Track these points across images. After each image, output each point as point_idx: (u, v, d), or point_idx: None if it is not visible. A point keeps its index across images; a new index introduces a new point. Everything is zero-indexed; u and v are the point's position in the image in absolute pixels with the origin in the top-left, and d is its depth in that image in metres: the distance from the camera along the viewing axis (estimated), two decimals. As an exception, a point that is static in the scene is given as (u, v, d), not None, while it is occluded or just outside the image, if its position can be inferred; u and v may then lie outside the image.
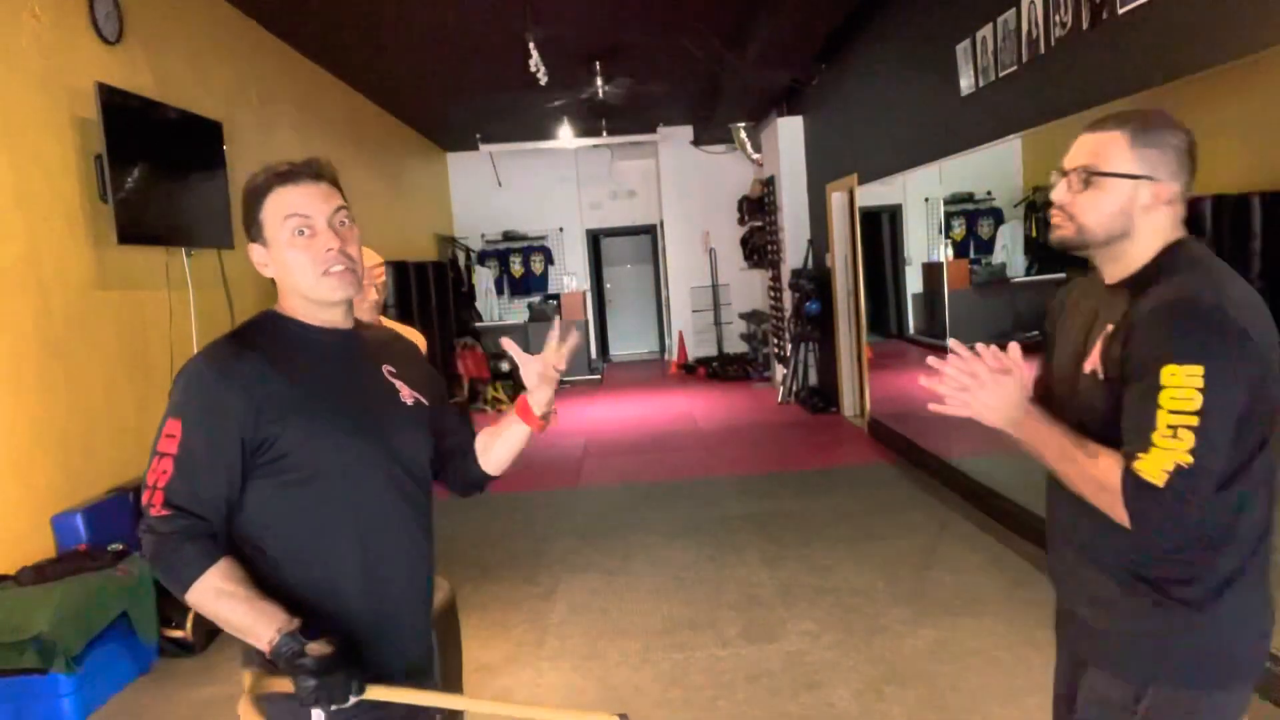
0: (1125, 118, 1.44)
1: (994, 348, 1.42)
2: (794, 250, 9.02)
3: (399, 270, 7.85)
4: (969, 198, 5.72)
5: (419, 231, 10.37)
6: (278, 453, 1.40)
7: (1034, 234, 5.12)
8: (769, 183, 9.76)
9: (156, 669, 3.67)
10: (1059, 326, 1.61)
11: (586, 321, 12.31)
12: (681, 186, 11.86)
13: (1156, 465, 1.27)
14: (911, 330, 6.72)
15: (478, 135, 10.96)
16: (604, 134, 10.93)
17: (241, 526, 1.44)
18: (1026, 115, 4.23)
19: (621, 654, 3.58)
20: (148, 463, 1.40)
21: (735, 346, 11.92)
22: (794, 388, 8.95)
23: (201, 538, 1.38)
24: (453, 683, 2.58)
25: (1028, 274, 5.33)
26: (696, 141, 11.53)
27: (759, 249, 10.63)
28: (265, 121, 5.96)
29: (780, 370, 9.51)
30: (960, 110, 5.03)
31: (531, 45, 6.16)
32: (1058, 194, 1.47)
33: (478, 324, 11.19)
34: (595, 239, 13.20)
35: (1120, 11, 3.43)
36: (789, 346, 9.07)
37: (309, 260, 1.45)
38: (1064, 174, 1.47)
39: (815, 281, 8.36)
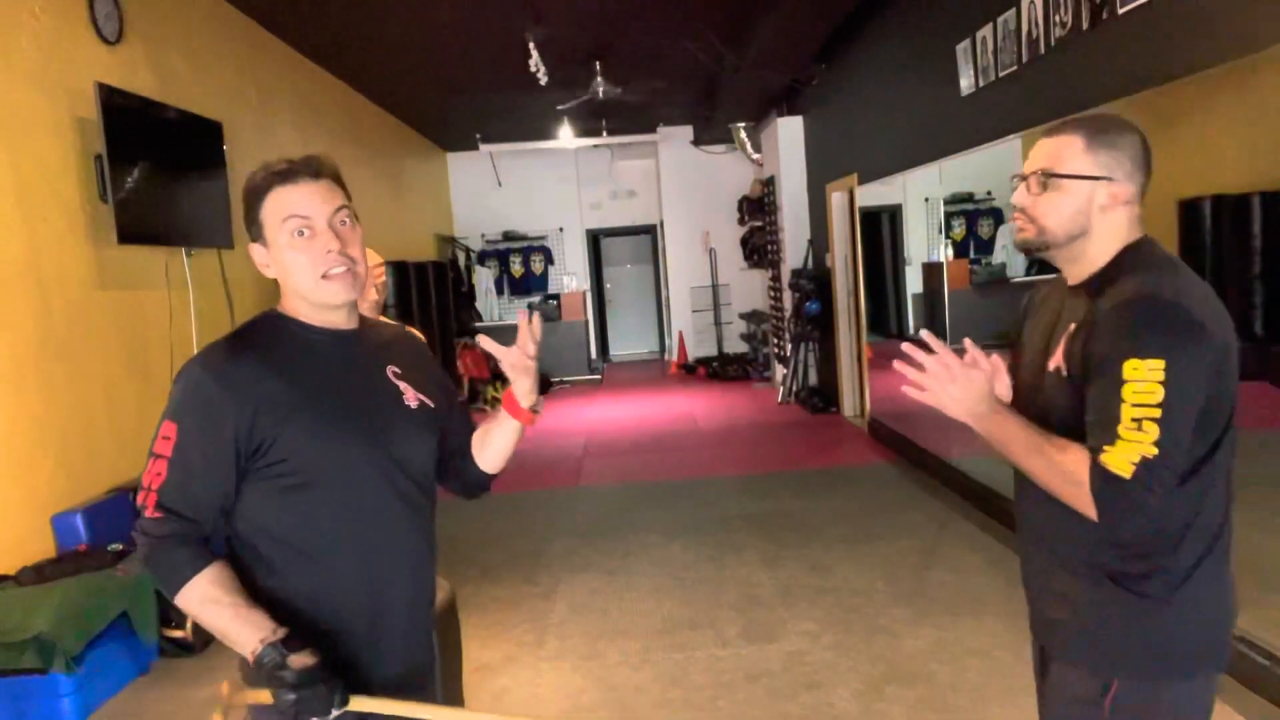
0: (1080, 122, 1.49)
1: (967, 341, 1.48)
2: (794, 250, 9.02)
3: (399, 270, 7.85)
4: (969, 198, 5.73)
5: (419, 231, 10.37)
6: (275, 457, 1.38)
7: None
8: (769, 183, 9.75)
9: (156, 669, 3.66)
10: (1026, 329, 1.64)
11: (586, 321, 12.31)
12: (681, 186, 11.86)
13: (1123, 457, 1.30)
14: (912, 330, 6.72)
15: (478, 135, 10.96)
16: (604, 134, 10.93)
17: (238, 530, 1.43)
18: (1026, 115, 4.23)
19: (621, 654, 3.58)
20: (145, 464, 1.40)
21: (735, 346, 11.92)
22: (794, 388, 8.95)
23: (193, 542, 1.37)
24: (453, 683, 2.58)
25: (1027, 274, 5.33)
26: (696, 141, 11.53)
27: (759, 249, 10.63)
28: (265, 121, 5.96)
29: (780, 370, 9.51)
30: (960, 110, 5.03)
31: (531, 45, 6.16)
32: (1018, 197, 1.52)
33: (478, 324, 11.19)
34: (595, 239, 13.20)
35: (1120, 11, 3.43)
36: (789, 346, 9.07)
37: (308, 262, 1.42)
38: (1023, 178, 1.51)
39: (815, 281, 8.36)
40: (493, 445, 1.66)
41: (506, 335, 1.53)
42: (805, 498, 5.62)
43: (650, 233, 13.14)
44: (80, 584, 3.34)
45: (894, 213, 6.93)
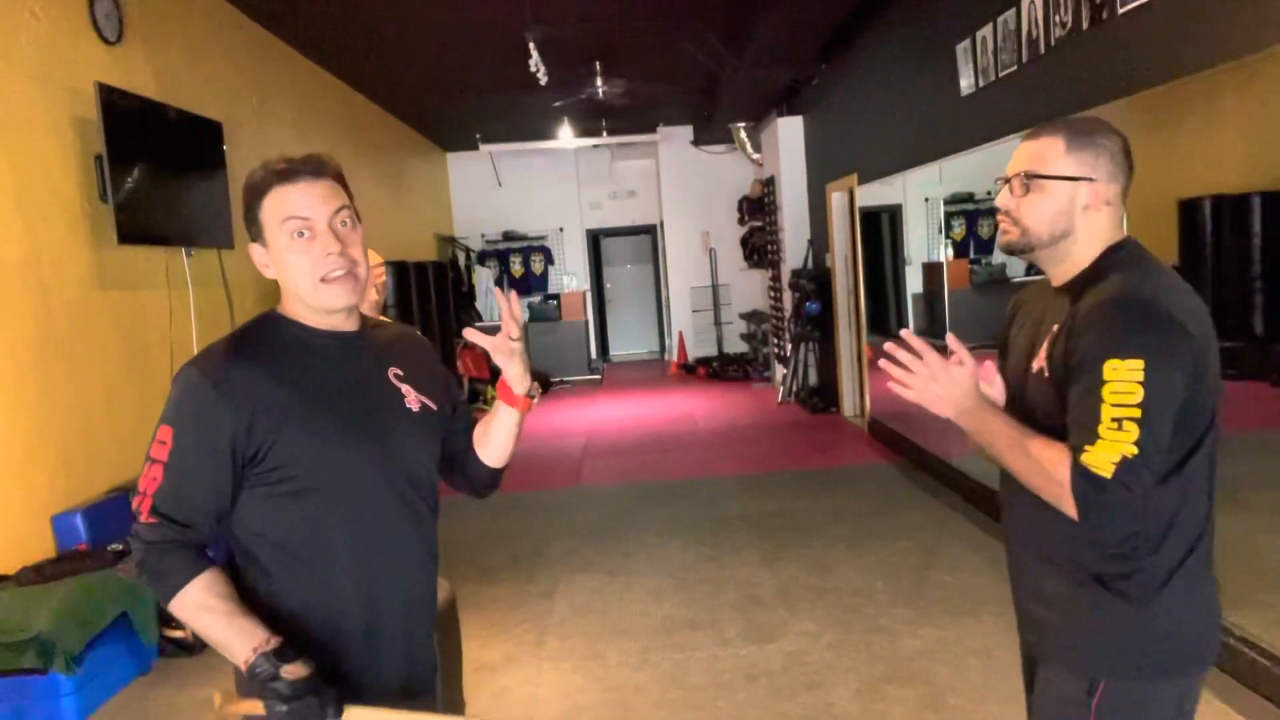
0: (1061, 124, 1.50)
1: (950, 337, 1.49)
2: (794, 250, 9.01)
3: (399, 270, 7.85)
4: (969, 198, 5.73)
5: (419, 231, 10.37)
6: (272, 463, 1.36)
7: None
8: (769, 183, 9.75)
9: (156, 669, 3.67)
10: (1012, 331, 1.65)
11: (586, 321, 12.31)
12: (681, 186, 11.86)
13: (1103, 457, 1.30)
14: (912, 330, 6.72)
15: (478, 135, 10.96)
16: (604, 134, 10.94)
17: (236, 535, 1.41)
18: (1026, 115, 4.23)
19: (621, 654, 3.58)
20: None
21: (735, 346, 11.92)
22: (794, 388, 8.95)
23: (188, 548, 1.35)
24: (453, 683, 2.58)
25: (1028, 274, 5.33)
26: (696, 141, 11.53)
27: (759, 249, 10.63)
28: (265, 121, 5.96)
29: (780, 370, 9.51)
30: (960, 110, 5.03)
31: (531, 45, 6.15)
32: (1002, 200, 1.53)
33: (478, 324, 11.19)
34: (595, 239, 13.20)
35: (1120, 11, 3.43)
36: (789, 346, 9.07)
37: (308, 264, 1.40)
38: (1006, 181, 1.52)
39: (815, 281, 8.36)
40: (493, 437, 1.63)
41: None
42: (805, 498, 5.62)
43: (650, 233, 13.14)
44: (80, 584, 3.34)
45: (894, 213, 6.93)
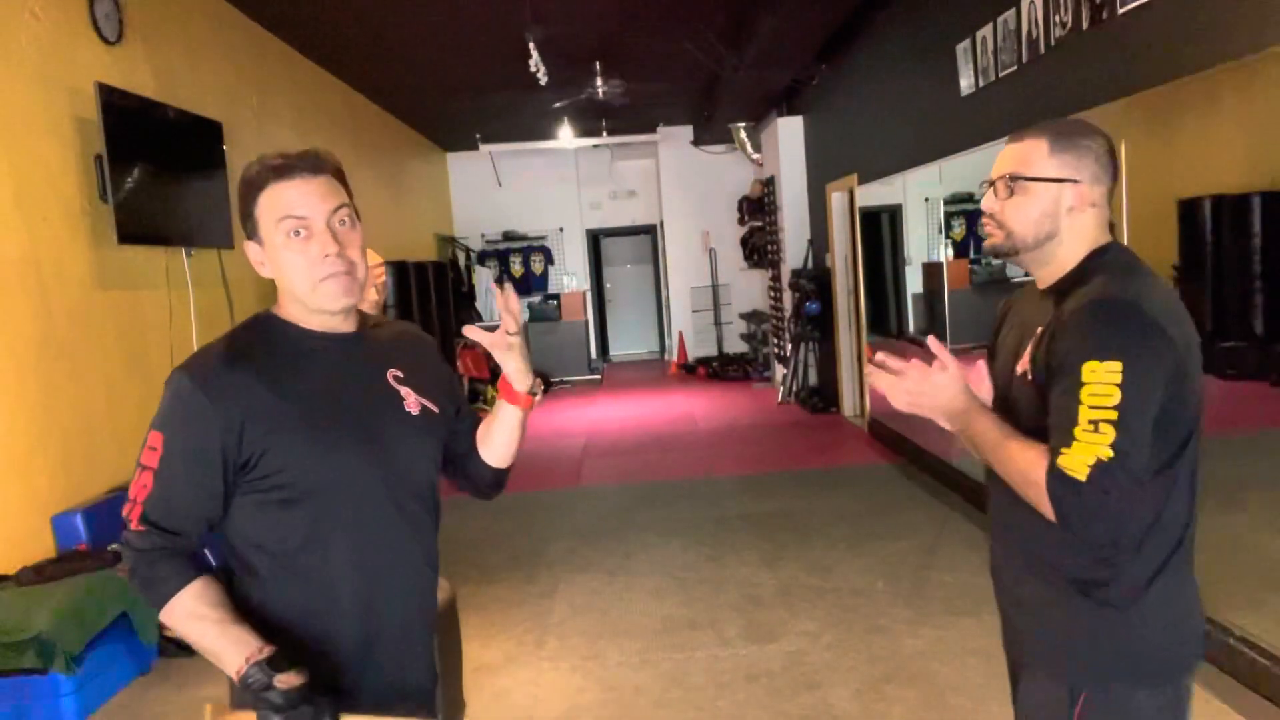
0: (1045, 126, 1.50)
1: (931, 340, 1.50)
2: (794, 250, 9.01)
3: (399, 270, 7.85)
4: (969, 198, 5.72)
5: (419, 231, 10.37)
6: (265, 470, 1.32)
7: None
8: (769, 183, 9.75)
9: (156, 669, 3.66)
10: (1001, 334, 1.65)
11: (586, 321, 12.31)
12: (681, 186, 11.86)
13: (1079, 460, 1.29)
14: (912, 330, 6.72)
15: (478, 135, 10.96)
16: (604, 134, 10.93)
17: (229, 542, 1.38)
18: (1026, 115, 4.23)
19: (621, 654, 3.58)
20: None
21: (735, 346, 11.92)
22: (794, 388, 8.95)
23: (177, 556, 1.33)
24: (453, 683, 2.58)
25: (1028, 274, 5.32)
26: (696, 141, 11.53)
27: (759, 249, 10.63)
28: (265, 121, 5.96)
29: (780, 370, 9.51)
30: (960, 110, 5.03)
31: (531, 45, 6.15)
32: (986, 203, 1.52)
33: (478, 324, 11.18)
34: (595, 239, 13.20)
35: (1120, 11, 3.43)
36: (789, 346, 9.07)
37: (304, 265, 1.35)
38: (991, 184, 1.52)
39: (815, 281, 8.36)
40: (495, 436, 1.59)
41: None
42: (805, 498, 5.62)
43: (650, 233, 13.14)
44: (80, 584, 3.34)
45: (894, 213, 6.93)
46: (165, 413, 1.34)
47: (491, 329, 1.48)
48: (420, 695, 1.51)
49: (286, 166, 1.36)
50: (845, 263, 7.81)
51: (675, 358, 12.16)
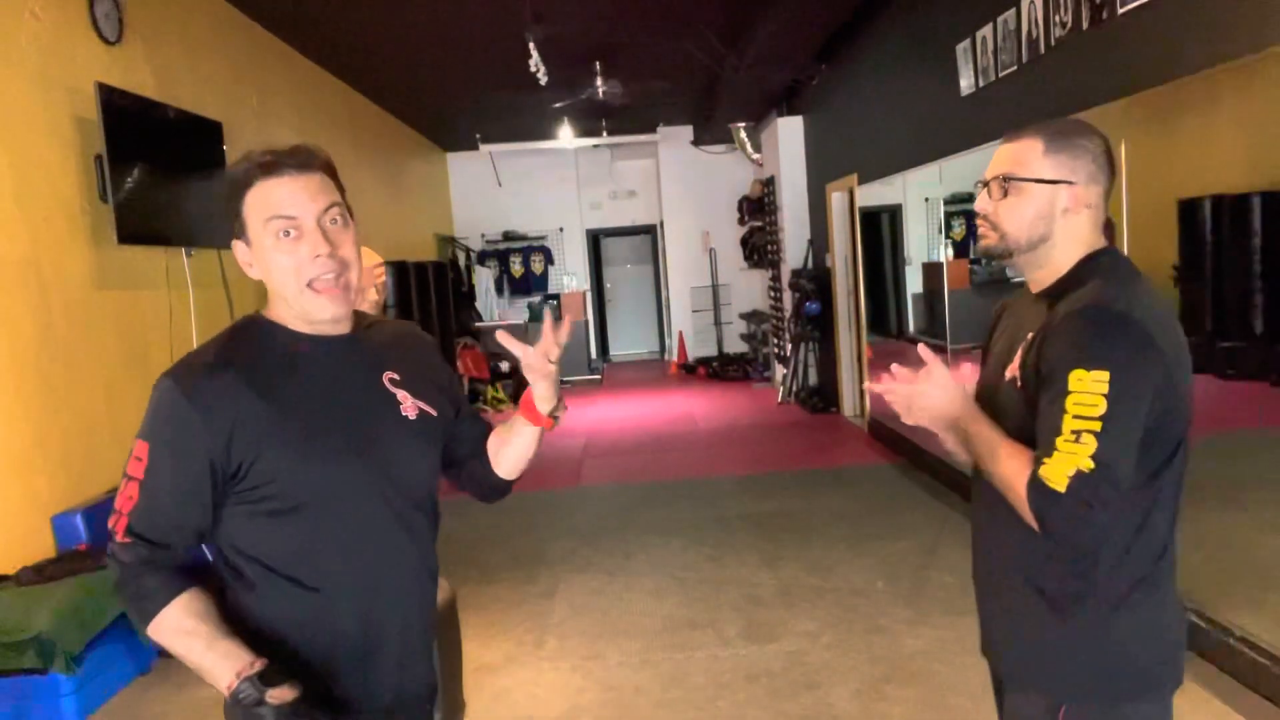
0: (1040, 126, 1.47)
1: (921, 347, 1.47)
2: (794, 250, 9.01)
3: (399, 270, 7.85)
4: (969, 198, 5.71)
5: (419, 231, 10.37)
6: (256, 480, 1.27)
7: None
8: (769, 183, 9.75)
9: (156, 669, 3.66)
10: (994, 337, 1.63)
11: (586, 321, 12.30)
12: (681, 186, 11.86)
13: (1059, 470, 1.27)
14: (912, 330, 6.72)
15: (478, 135, 10.96)
16: (604, 134, 10.94)
17: (220, 552, 1.34)
18: (1026, 115, 4.23)
19: (621, 654, 3.58)
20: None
21: (735, 346, 11.92)
22: (794, 388, 8.95)
23: (164, 569, 1.28)
24: (453, 683, 2.58)
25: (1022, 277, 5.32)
26: (696, 141, 11.53)
27: (759, 249, 10.63)
28: (265, 121, 5.96)
29: (780, 370, 9.51)
30: (960, 110, 5.03)
31: (531, 45, 6.15)
32: (980, 204, 1.50)
33: (478, 324, 11.19)
34: (595, 239, 13.20)
35: (1120, 11, 3.43)
36: (789, 346, 9.07)
37: (293, 267, 1.29)
38: (985, 184, 1.50)
39: (815, 281, 8.36)
40: (510, 451, 1.55)
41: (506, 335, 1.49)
42: (805, 498, 5.62)
43: (650, 233, 13.14)
44: (80, 584, 3.34)
45: (894, 213, 6.92)
46: (151, 421, 1.29)
47: (496, 329, 1.46)
48: (418, 706, 1.48)
49: (274, 163, 1.30)
50: (845, 263, 7.81)
51: (675, 358, 12.16)
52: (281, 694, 1.21)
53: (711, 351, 11.96)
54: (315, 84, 7.17)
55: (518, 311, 12.29)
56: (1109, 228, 1.53)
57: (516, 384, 10.05)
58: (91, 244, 4.05)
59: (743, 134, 10.14)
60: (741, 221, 11.47)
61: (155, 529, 1.28)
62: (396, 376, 1.42)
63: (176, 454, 1.27)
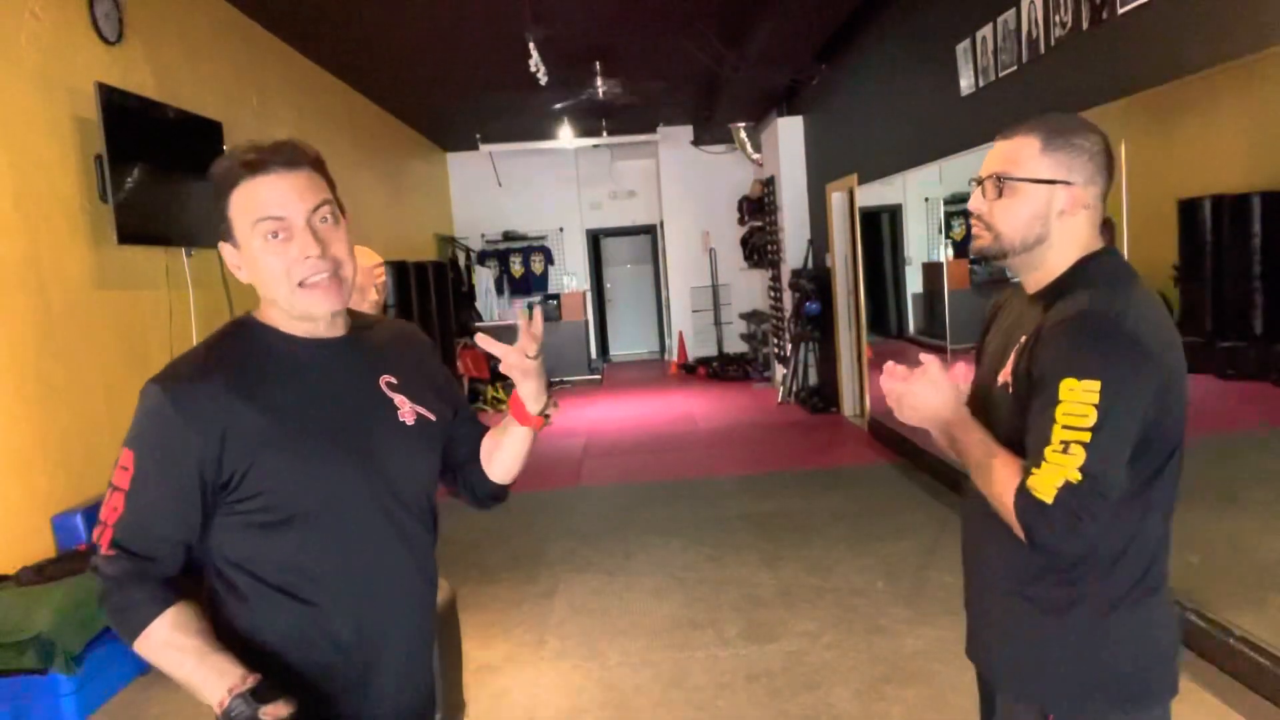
0: (1038, 123, 1.42)
1: (925, 358, 1.46)
2: (794, 250, 9.02)
3: (399, 270, 7.85)
4: (969, 198, 5.72)
5: (419, 231, 10.37)
6: (248, 491, 1.23)
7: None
8: (769, 183, 9.76)
9: (156, 669, 3.66)
10: (988, 337, 1.60)
11: (586, 321, 12.31)
12: (681, 186, 11.86)
13: (1047, 481, 1.25)
14: (912, 330, 6.72)
15: (478, 135, 10.96)
16: (604, 134, 10.94)
17: (211, 562, 1.29)
18: (1026, 115, 4.23)
19: (621, 654, 3.58)
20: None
21: (735, 346, 11.92)
22: (794, 388, 8.95)
23: (150, 582, 1.23)
24: (453, 684, 2.58)
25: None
26: (696, 141, 11.53)
27: (759, 249, 10.63)
28: (265, 121, 5.96)
29: (780, 370, 9.51)
30: (960, 110, 5.03)
31: (531, 45, 6.15)
32: (974, 203, 1.46)
33: (478, 324, 11.20)
34: (595, 239, 13.20)
35: (1120, 11, 3.43)
36: (789, 346, 9.07)
37: (283, 269, 1.24)
38: (978, 182, 1.45)
39: (815, 281, 8.36)
40: (502, 454, 1.49)
41: (506, 336, 1.45)
42: (805, 498, 5.62)
43: (650, 233, 13.14)
44: (80, 584, 3.34)
45: (894, 213, 6.93)
46: (137, 429, 1.24)
47: (495, 331, 1.40)
48: (420, 705, 1.45)
49: (260, 160, 1.24)
50: (845, 263, 7.81)
51: (675, 358, 12.16)
52: (276, 710, 1.16)
53: (711, 351, 11.96)
54: (315, 84, 7.17)
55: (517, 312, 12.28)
56: (1108, 227, 1.51)
57: (517, 384, 10.03)
58: (91, 244, 4.05)
59: (743, 134, 10.14)
60: (741, 221, 11.47)
61: (141, 541, 1.23)
62: (394, 380, 1.38)
63: (164, 464, 1.22)
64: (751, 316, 11.39)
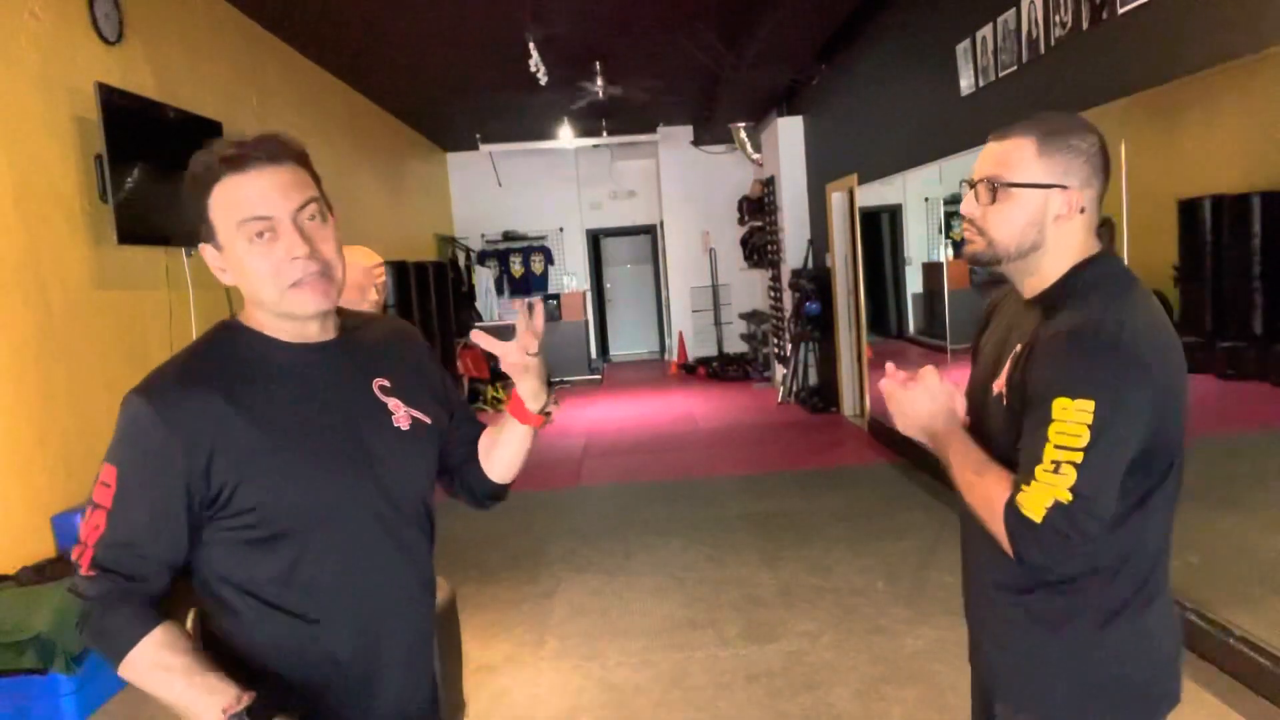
0: (1033, 123, 1.37)
1: (926, 370, 1.44)
2: (794, 250, 9.02)
3: (399, 270, 7.85)
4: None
5: (419, 231, 10.37)
6: (238, 506, 1.18)
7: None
8: (769, 183, 9.76)
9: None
10: (983, 340, 1.57)
11: (586, 321, 12.31)
12: (681, 186, 11.86)
13: (1036, 500, 1.23)
14: (912, 330, 6.72)
15: (478, 135, 10.97)
16: (604, 134, 10.95)
17: (202, 578, 1.24)
18: (1026, 115, 4.23)
19: (621, 654, 3.58)
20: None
21: (735, 346, 11.92)
22: (794, 388, 8.95)
23: (134, 601, 1.17)
24: (453, 684, 2.58)
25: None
26: (696, 141, 11.53)
27: (759, 249, 10.63)
28: (265, 121, 5.96)
29: (780, 370, 9.51)
30: (960, 110, 5.03)
31: (531, 45, 6.16)
32: (966, 206, 1.40)
33: (478, 324, 11.20)
34: (595, 239, 13.20)
35: (1120, 11, 3.43)
36: (789, 346, 9.07)
37: (270, 272, 1.18)
38: (971, 185, 1.40)
39: (815, 281, 8.36)
40: (500, 452, 1.45)
41: (505, 336, 1.42)
42: (805, 498, 5.62)
43: (650, 233, 13.14)
44: (80, 584, 3.34)
45: (894, 213, 6.93)
46: (119, 444, 1.18)
47: (497, 331, 1.36)
48: (421, 715, 1.40)
49: (241, 156, 1.17)
50: (845, 263, 7.81)
51: (675, 358, 12.16)
52: None
53: (711, 351, 11.97)
54: (315, 84, 7.17)
55: (517, 311, 12.27)
56: (1108, 227, 1.50)
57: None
58: (91, 244, 4.05)
59: (743, 134, 10.14)
60: (741, 221, 11.48)
61: (124, 562, 1.17)
62: (387, 383, 1.33)
63: (148, 480, 1.16)
64: (751, 316, 11.39)
